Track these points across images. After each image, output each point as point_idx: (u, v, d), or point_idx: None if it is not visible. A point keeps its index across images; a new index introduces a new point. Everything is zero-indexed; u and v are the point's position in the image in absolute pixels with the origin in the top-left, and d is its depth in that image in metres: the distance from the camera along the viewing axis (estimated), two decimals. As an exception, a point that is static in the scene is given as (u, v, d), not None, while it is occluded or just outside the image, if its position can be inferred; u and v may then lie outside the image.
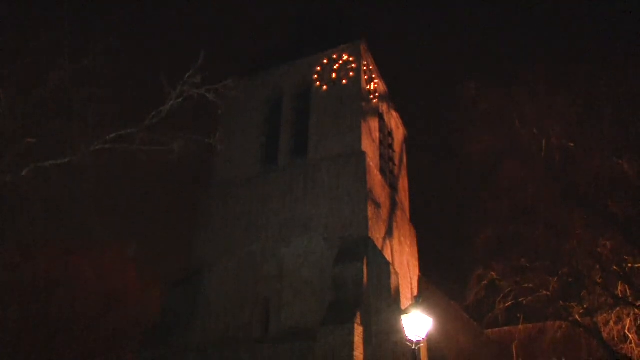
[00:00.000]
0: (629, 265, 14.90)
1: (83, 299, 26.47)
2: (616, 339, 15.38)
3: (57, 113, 11.98)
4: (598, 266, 15.36)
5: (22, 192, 11.47)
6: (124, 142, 11.95)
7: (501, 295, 16.79)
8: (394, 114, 25.99)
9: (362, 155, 20.12)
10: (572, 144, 15.73)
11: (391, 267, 18.29)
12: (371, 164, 20.53)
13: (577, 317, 15.52)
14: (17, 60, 12.17)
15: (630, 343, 15.46)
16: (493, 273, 16.96)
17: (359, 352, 15.79)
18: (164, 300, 20.74)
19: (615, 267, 15.14)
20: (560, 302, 15.74)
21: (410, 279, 22.49)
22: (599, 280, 15.39)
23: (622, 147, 15.08)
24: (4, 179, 10.75)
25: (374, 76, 23.36)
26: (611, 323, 15.32)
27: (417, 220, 26.01)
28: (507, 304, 16.37)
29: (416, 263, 24.11)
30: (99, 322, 26.59)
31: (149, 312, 25.02)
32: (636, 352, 15.36)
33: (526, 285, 15.95)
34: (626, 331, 15.45)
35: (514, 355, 20.01)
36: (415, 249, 24.51)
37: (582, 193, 15.70)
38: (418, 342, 11.11)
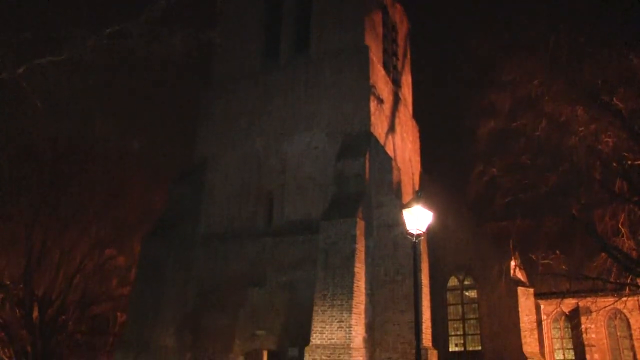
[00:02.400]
0: (629, 162, 14.97)
1: (90, 193, 27.02)
2: (609, 232, 15.75)
3: (52, 6, 11.59)
4: (598, 163, 15.43)
5: (20, 90, 11.33)
6: (122, 38, 11.64)
7: (501, 191, 17.01)
8: (398, 7, 25.08)
9: (365, 49, 19.67)
10: (582, 39, 15.28)
11: (393, 162, 18.49)
12: (374, 58, 20.12)
13: (573, 212, 15.81)
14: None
15: (623, 236, 15.85)
16: (494, 169, 17.09)
17: (360, 244, 16.34)
18: (169, 194, 21.16)
19: (615, 164, 15.22)
20: (559, 198, 15.98)
21: (412, 174, 22.77)
22: (598, 177, 15.51)
23: (632, 42, 14.66)
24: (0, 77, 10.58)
25: (378, -34, 22.32)
26: (606, 218, 15.60)
27: (420, 116, 25.90)
28: (506, 200, 16.60)
29: (418, 158, 24.30)
30: (106, 215, 27.32)
31: (155, 206, 25.63)
32: (627, 244, 15.77)
33: (526, 181, 16.11)
34: (620, 225, 15.81)
35: (511, 249, 20.60)
36: (418, 144, 24.61)
37: (587, 88, 15.47)
38: (418, 235, 11.40)
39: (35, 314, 26.44)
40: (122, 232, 27.45)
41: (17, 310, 26.57)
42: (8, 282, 26.24)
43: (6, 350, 27.06)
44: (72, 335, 28.57)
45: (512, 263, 22.04)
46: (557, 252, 17.20)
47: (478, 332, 22.82)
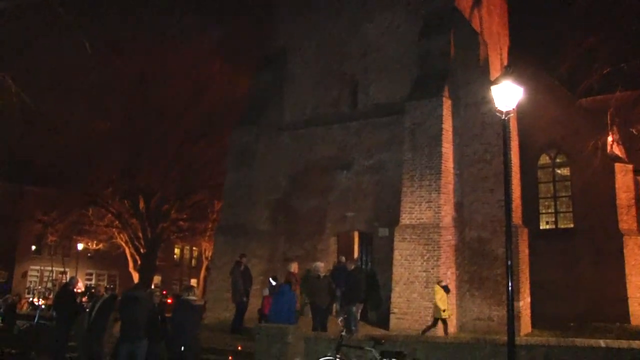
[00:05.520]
0: None
1: (176, 86, 27.81)
2: None
3: None
4: None
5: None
6: None
7: (598, 62, 15.85)
8: None
9: None
10: None
11: (479, 37, 17.63)
12: None
13: (683, 80, 14.58)
14: None
15: None
16: (590, 38, 15.86)
17: (447, 124, 16.05)
18: (252, 83, 21.39)
19: None
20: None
21: (500, 49, 21.64)
22: None
23: None
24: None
25: None
26: None
27: (508, -14, 24.05)
28: (604, 71, 15.48)
29: (506, 32, 22.96)
30: (194, 108, 28.21)
31: (240, 95, 26.09)
32: None
33: (628, 49, 14.86)
34: None
35: (608, 123, 19.49)
36: (505, 17, 23.14)
37: None
38: (508, 113, 10.93)
39: (141, 204, 28.58)
40: (211, 123, 28.38)
41: (126, 202, 28.82)
42: (114, 177, 28.28)
43: (122, 235, 29.81)
44: (175, 222, 30.84)
45: (610, 138, 20.95)
46: (661, 123, 16.15)
47: (570, 209, 22.42)
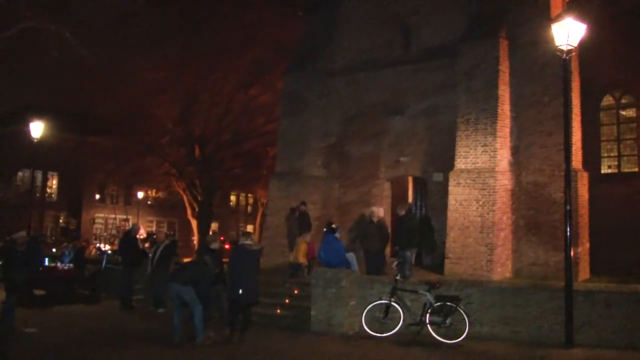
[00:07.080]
0: None
1: (227, 34, 27.70)
2: None
3: None
4: None
5: None
6: None
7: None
8: None
9: None
10: None
11: (539, -29, 16.69)
12: None
13: None
14: None
15: None
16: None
17: (504, 66, 15.52)
18: (303, 28, 21.14)
19: None
20: None
21: (562, -16, 20.47)
22: None
23: None
24: None
25: None
26: None
27: None
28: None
29: (569, -35, 21.66)
30: (245, 55, 28.10)
31: (289, 41, 25.82)
32: None
33: None
34: None
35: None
36: (570, -50, 21.77)
37: None
38: (569, 52, 10.49)
39: (197, 152, 29.19)
40: (262, 70, 28.30)
41: (182, 150, 29.51)
42: (170, 125, 28.87)
43: (179, 183, 30.69)
44: (229, 169, 31.40)
45: (683, 75, 19.82)
46: None
47: (635, 153, 21.51)
